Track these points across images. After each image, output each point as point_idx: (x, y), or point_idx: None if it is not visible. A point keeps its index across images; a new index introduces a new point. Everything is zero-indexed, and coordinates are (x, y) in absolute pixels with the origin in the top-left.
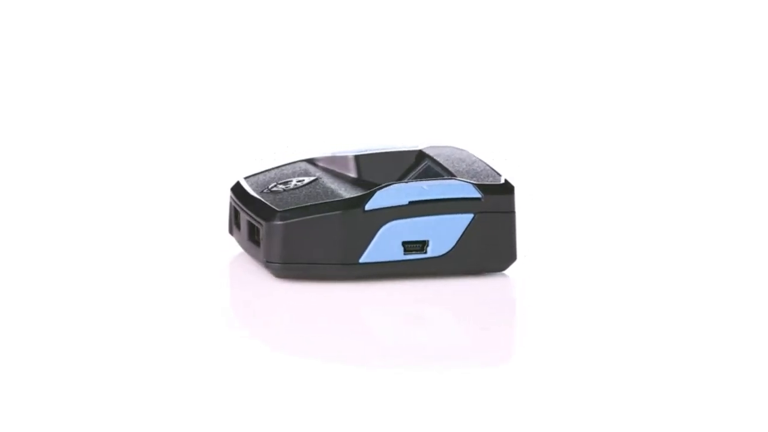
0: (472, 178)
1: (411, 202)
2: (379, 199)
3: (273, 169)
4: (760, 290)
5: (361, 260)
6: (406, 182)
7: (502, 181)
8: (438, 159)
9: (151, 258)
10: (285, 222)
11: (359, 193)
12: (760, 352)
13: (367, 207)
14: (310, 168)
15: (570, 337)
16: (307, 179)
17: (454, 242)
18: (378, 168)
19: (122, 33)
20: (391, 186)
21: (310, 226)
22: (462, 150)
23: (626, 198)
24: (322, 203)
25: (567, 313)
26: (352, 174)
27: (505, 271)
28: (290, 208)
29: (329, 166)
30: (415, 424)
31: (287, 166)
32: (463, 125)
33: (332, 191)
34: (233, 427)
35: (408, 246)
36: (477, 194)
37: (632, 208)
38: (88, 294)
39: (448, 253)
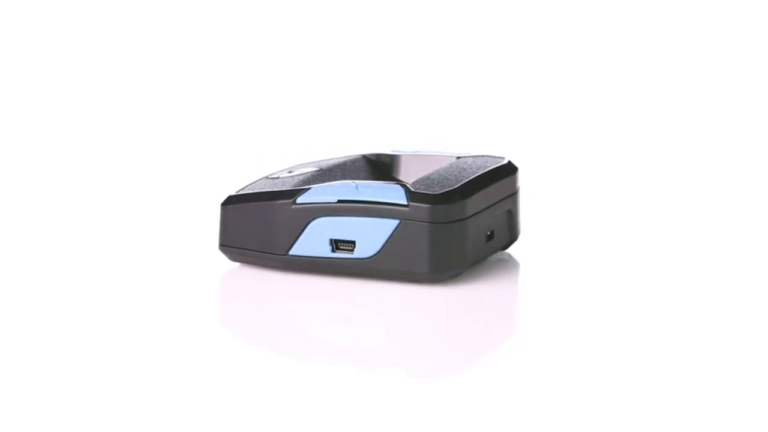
0: (431, 186)
1: (340, 201)
2: (311, 195)
3: (326, 160)
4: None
5: (291, 252)
6: (349, 181)
7: (438, 192)
8: (448, 165)
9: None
10: (227, 206)
11: None
12: (760, 349)
13: (298, 200)
14: (355, 161)
15: (491, 346)
16: (311, 170)
17: (380, 246)
18: (416, 169)
19: (119, 45)
20: (328, 183)
21: (247, 213)
22: (491, 159)
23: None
24: (265, 192)
25: (497, 322)
26: (397, 173)
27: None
28: (238, 193)
29: (378, 161)
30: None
31: (340, 158)
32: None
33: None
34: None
35: (337, 244)
36: (404, 201)
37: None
38: (82, 290)
39: (374, 255)
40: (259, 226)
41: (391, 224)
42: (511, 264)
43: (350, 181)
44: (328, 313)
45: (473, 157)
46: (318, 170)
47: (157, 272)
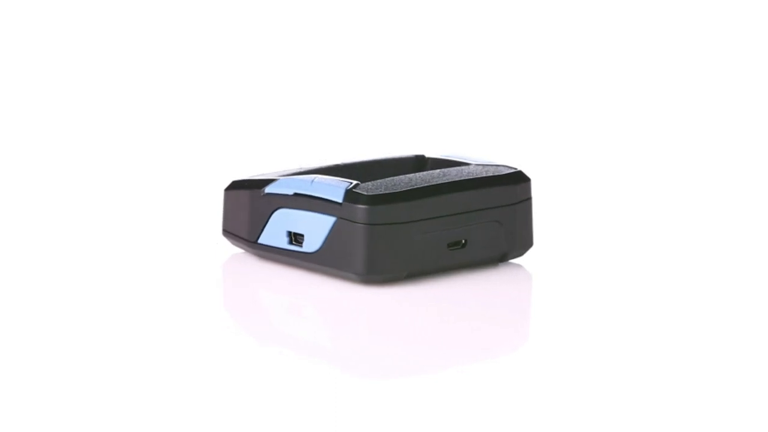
0: (380, 187)
1: (295, 194)
2: (277, 186)
3: (376, 157)
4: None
5: (260, 241)
6: (312, 175)
7: (373, 193)
8: (440, 170)
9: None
10: (227, 192)
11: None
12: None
13: (266, 190)
14: (395, 160)
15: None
16: (328, 164)
17: (322, 242)
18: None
19: (119, 38)
20: (293, 176)
21: (234, 200)
22: (498, 167)
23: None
24: (250, 179)
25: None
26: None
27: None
28: (236, 180)
29: (420, 162)
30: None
31: (382, 156)
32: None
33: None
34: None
35: (292, 236)
36: (340, 199)
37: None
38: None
39: (317, 251)
40: (241, 213)
41: (329, 221)
42: (501, 269)
43: (312, 175)
44: (325, 313)
45: (483, 165)
46: (334, 165)
47: (156, 257)
